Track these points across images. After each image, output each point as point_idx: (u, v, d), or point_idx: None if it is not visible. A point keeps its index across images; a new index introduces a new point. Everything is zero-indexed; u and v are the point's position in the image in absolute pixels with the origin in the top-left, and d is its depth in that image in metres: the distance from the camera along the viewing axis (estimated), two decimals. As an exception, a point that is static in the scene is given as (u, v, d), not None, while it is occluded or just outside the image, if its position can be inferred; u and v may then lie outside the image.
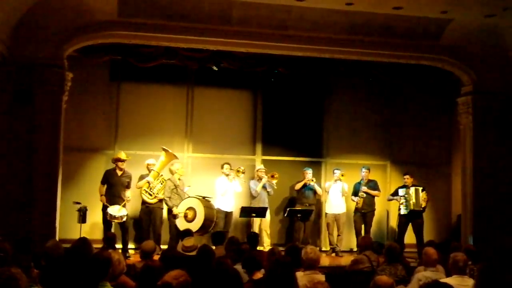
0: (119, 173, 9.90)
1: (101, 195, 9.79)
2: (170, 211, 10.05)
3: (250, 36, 9.17)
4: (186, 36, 9.03)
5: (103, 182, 9.92)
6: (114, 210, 9.55)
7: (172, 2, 8.60)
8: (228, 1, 8.58)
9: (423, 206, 10.76)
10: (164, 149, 10.28)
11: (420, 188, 10.79)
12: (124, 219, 9.63)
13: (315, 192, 11.08)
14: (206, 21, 8.90)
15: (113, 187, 9.83)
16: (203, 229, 9.70)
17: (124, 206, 9.71)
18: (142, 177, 10.18)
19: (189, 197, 10.08)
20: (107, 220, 9.59)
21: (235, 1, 8.58)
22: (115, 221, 9.58)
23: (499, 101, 9.83)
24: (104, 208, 9.64)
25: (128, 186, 9.96)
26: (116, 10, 8.61)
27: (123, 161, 9.91)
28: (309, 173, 11.00)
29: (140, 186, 10.07)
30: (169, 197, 9.98)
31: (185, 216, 9.80)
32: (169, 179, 10.13)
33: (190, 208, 9.84)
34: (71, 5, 8.38)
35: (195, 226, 9.53)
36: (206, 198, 10.14)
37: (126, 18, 8.72)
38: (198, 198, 9.99)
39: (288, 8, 8.77)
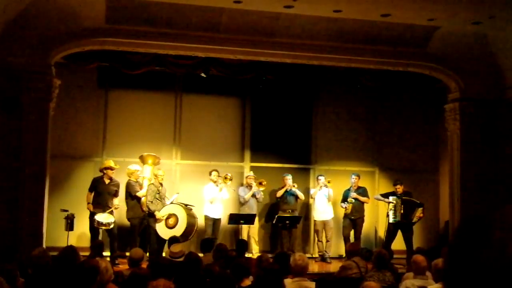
0: (107, 181, 9.85)
1: (88, 203, 9.75)
2: (151, 215, 9.97)
3: (238, 43, 9.18)
4: (175, 43, 9.03)
5: (90, 190, 9.87)
6: (102, 217, 9.50)
7: (161, 9, 8.59)
8: (217, 8, 8.59)
9: (414, 221, 10.77)
10: (141, 157, 10.27)
11: (419, 203, 10.78)
12: (112, 226, 9.57)
13: (296, 198, 11.08)
14: (194, 28, 8.91)
15: (101, 195, 9.78)
16: (184, 236, 9.63)
17: (111, 213, 9.67)
18: (130, 185, 10.12)
19: (171, 203, 10.06)
20: (94, 228, 9.53)
21: (224, 8, 8.59)
22: (103, 228, 9.52)
23: (486, 108, 9.89)
24: (91, 216, 9.58)
25: (116, 195, 9.92)
26: (104, 17, 8.59)
27: (113, 169, 9.89)
28: (289, 178, 10.98)
29: (143, 195, 10.01)
30: (151, 202, 9.94)
31: (167, 221, 9.77)
32: (152, 183, 10.09)
33: (172, 215, 9.84)
34: (58, 12, 8.35)
35: (176, 232, 9.49)
36: (188, 206, 10.11)
37: (114, 25, 8.70)
38: (180, 205, 9.97)
39: (277, 15, 8.79)
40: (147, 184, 10.08)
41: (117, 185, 9.96)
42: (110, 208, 9.74)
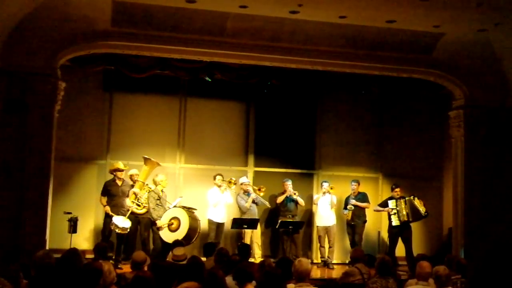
0: (119, 183, 9.90)
1: (105, 206, 9.79)
2: (154, 223, 9.98)
3: (243, 47, 9.20)
4: (180, 47, 9.05)
5: (103, 194, 9.93)
6: (119, 220, 9.55)
7: (166, 13, 8.61)
8: (222, 12, 8.61)
9: (424, 211, 10.70)
10: (145, 158, 10.26)
11: (411, 197, 10.73)
12: (127, 230, 9.61)
13: (296, 203, 11.05)
14: (200, 33, 8.93)
15: (115, 198, 9.85)
16: (187, 239, 9.60)
17: (128, 217, 9.72)
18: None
19: (174, 206, 10.05)
20: (107, 230, 9.56)
21: (229, 12, 8.61)
22: (119, 231, 9.53)
23: (490, 115, 9.88)
24: (108, 218, 9.62)
25: (128, 195, 9.96)
26: (110, 20, 8.62)
27: (122, 171, 9.96)
28: (289, 184, 10.96)
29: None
30: (154, 208, 9.94)
31: (170, 226, 9.76)
32: (152, 190, 10.08)
33: (174, 218, 9.83)
34: (64, 15, 8.37)
35: (179, 235, 9.46)
36: (190, 209, 10.10)
37: (120, 28, 8.73)
38: (183, 209, 9.97)
39: (282, 20, 8.80)
40: (136, 186, 10.06)
41: (128, 185, 10.05)
42: (125, 209, 9.77)
